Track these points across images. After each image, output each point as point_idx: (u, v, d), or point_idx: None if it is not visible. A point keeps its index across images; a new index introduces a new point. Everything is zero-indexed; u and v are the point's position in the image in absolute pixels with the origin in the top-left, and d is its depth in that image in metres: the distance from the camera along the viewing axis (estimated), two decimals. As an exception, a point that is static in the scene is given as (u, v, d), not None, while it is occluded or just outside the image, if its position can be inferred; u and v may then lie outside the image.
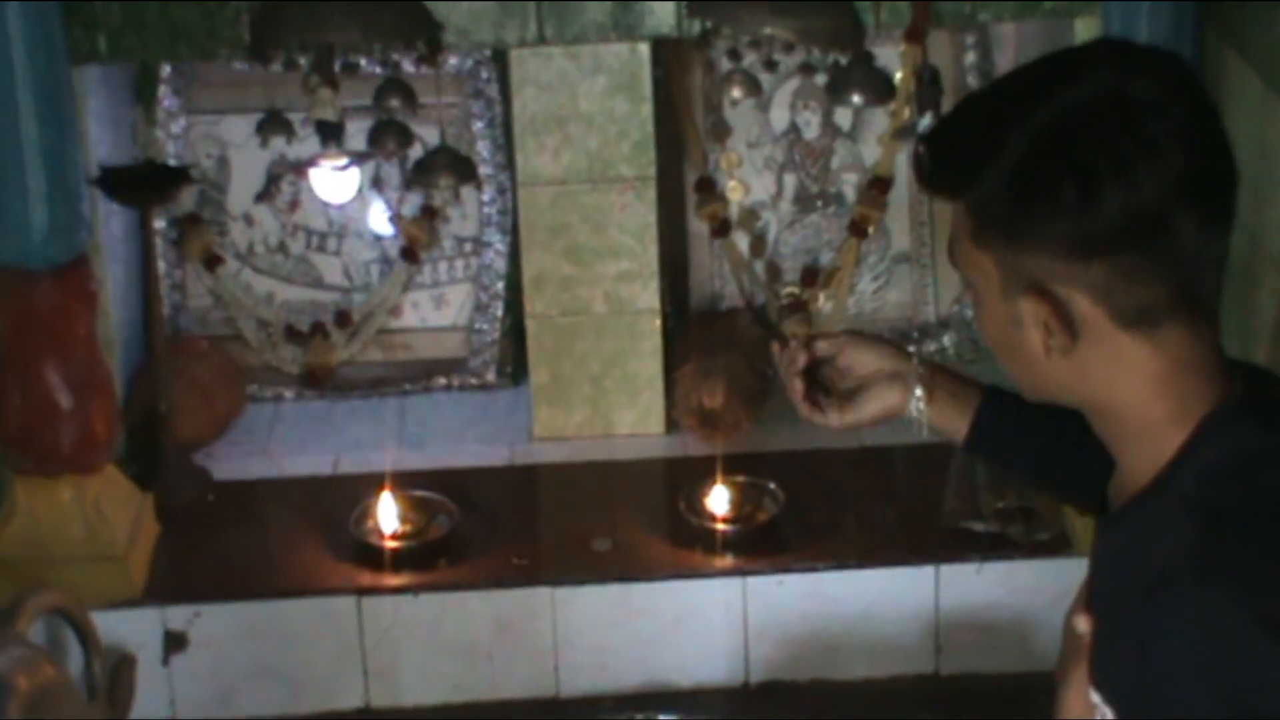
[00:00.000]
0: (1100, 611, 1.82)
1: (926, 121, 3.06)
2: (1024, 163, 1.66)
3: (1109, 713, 1.79)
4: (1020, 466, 2.20)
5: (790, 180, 3.59)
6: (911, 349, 2.35)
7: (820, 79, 3.22)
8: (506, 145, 3.46)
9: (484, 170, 3.51)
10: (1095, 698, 1.81)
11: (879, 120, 3.45)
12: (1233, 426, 1.71)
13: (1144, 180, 1.64)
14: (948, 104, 3.02)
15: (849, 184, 3.57)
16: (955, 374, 2.17)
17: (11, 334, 2.85)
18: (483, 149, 3.54)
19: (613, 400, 3.42)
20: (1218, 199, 1.70)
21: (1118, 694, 1.77)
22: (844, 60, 2.89)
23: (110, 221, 3.32)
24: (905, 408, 2.12)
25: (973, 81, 3.51)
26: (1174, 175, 1.65)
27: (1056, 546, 3.01)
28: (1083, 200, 1.64)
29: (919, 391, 2.12)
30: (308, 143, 3.29)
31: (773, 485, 3.18)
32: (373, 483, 3.16)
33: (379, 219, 3.60)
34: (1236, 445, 1.70)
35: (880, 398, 2.14)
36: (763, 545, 3.08)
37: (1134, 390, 1.71)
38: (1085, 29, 3.08)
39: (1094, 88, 1.66)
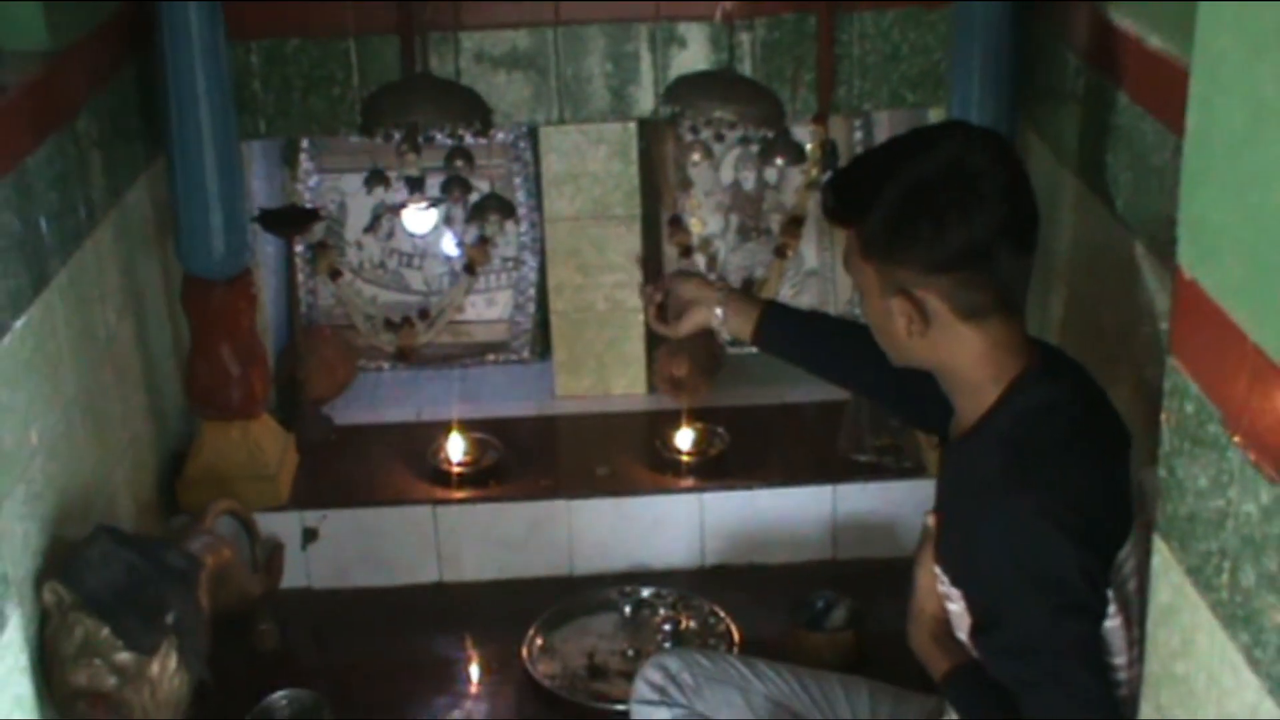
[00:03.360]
0: (944, 511, 1.88)
1: (828, 178, 3.07)
2: (896, 207, 1.70)
3: (947, 581, 1.84)
4: (799, 362, 2.15)
5: (734, 219, 3.60)
6: (714, 276, 2.34)
7: (754, 148, 3.22)
8: (537, 193, 3.46)
9: (521, 211, 3.51)
10: (938, 570, 1.87)
11: (796, 177, 3.47)
12: (1033, 386, 1.75)
13: (978, 223, 1.67)
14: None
15: (775, 221, 3.57)
16: (749, 296, 2.16)
17: (199, 324, 2.87)
18: (521, 196, 3.54)
19: (610, 371, 3.42)
20: (1027, 235, 1.74)
21: (954, 568, 1.81)
22: (771, 135, 2.88)
23: (265, 247, 3.35)
24: (710, 322, 2.13)
25: (859, 151, 3.50)
26: (999, 220, 1.68)
27: (916, 471, 3.01)
28: (935, 236, 1.69)
29: (718, 311, 2.13)
30: (400, 192, 3.30)
31: (721, 430, 3.18)
32: (444, 427, 3.16)
33: (449, 245, 3.60)
34: (1036, 399, 1.74)
35: (693, 316, 2.15)
36: (715, 472, 3.08)
37: (967, 360, 1.75)
38: (936, 115, 3.11)
39: (946, 156, 1.69)
